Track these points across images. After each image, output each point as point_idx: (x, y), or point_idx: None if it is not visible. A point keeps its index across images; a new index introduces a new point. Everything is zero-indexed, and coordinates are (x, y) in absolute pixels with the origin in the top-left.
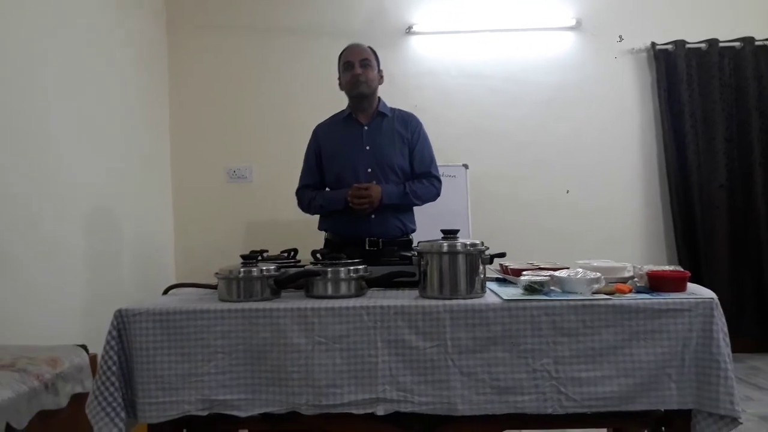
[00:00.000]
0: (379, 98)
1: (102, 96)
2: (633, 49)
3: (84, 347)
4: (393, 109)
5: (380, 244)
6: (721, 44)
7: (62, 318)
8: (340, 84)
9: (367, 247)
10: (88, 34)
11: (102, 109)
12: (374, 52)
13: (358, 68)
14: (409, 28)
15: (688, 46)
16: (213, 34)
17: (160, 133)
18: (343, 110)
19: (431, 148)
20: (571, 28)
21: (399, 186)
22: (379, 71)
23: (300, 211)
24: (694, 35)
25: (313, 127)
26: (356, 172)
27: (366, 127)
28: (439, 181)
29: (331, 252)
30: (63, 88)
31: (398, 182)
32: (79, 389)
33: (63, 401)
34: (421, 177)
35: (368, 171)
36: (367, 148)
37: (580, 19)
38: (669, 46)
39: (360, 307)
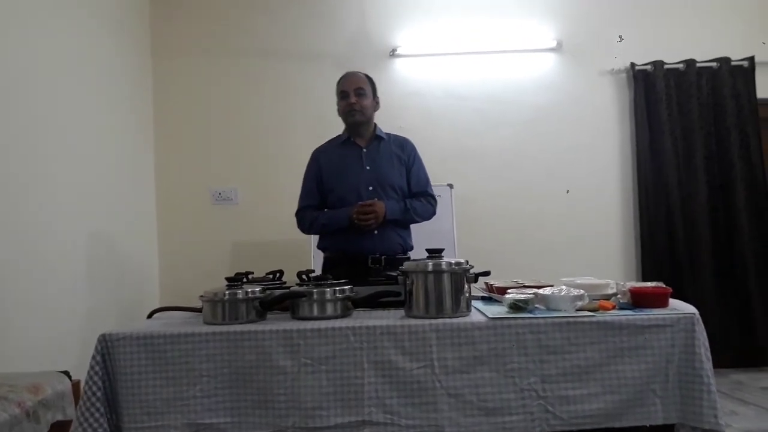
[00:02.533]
0: (375, 124)
1: (86, 119)
2: (613, 69)
3: (67, 373)
4: (389, 134)
5: (383, 261)
6: (698, 64)
7: (44, 344)
8: (338, 110)
9: (369, 264)
10: (73, 58)
11: (86, 132)
12: (370, 80)
13: (352, 97)
14: (393, 50)
15: (666, 66)
16: (198, 57)
17: (145, 155)
18: (340, 135)
19: (425, 169)
20: (552, 50)
21: (400, 203)
22: (375, 98)
23: (287, 232)
24: (673, 56)
25: (298, 149)
26: (358, 190)
27: (365, 149)
28: (435, 200)
29: (331, 268)
30: (47, 111)
31: (398, 200)
32: (60, 417)
33: (44, 429)
34: (418, 196)
35: (369, 189)
36: (368, 168)
37: (561, 41)
38: (648, 67)
39: (346, 328)
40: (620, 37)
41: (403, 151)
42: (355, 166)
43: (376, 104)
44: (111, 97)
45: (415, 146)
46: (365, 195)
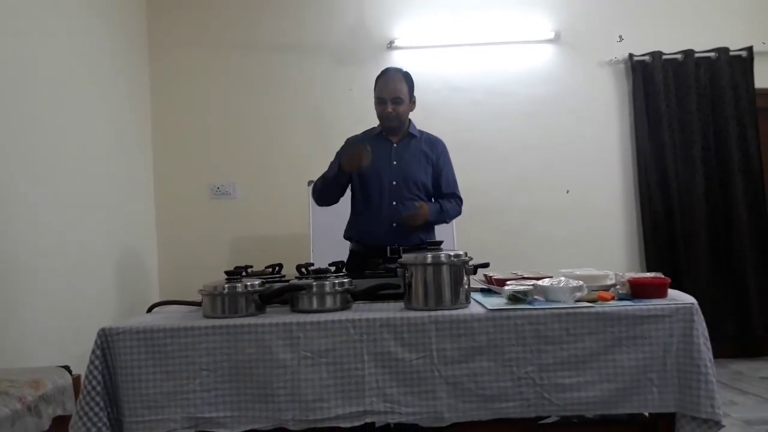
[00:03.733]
0: (409, 120)
1: (83, 115)
2: (611, 60)
3: (67, 368)
4: (422, 132)
5: (401, 252)
6: (696, 55)
7: (45, 339)
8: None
9: (388, 255)
10: (68, 54)
11: (83, 129)
12: (408, 80)
13: (389, 106)
14: (391, 42)
15: (664, 57)
16: (195, 51)
17: (143, 150)
18: (374, 127)
19: (454, 170)
20: (550, 41)
21: (436, 204)
22: (412, 100)
23: (286, 226)
24: (671, 46)
25: (296, 143)
26: (381, 183)
27: (395, 145)
28: (462, 201)
29: (359, 263)
30: (45, 106)
31: (419, 196)
32: (60, 411)
33: (45, 424)
34: (448, 197)
35: (393, 183)
36: (394, 163)
37: (559, 32)
38: (646, 57)
39: (346, 321)
40: (620, 37)
41: (433, 151)
42: (384, 159)
43: (412, 105)
44: (108, 92)
45: (446, 147)
46: (387, 189)
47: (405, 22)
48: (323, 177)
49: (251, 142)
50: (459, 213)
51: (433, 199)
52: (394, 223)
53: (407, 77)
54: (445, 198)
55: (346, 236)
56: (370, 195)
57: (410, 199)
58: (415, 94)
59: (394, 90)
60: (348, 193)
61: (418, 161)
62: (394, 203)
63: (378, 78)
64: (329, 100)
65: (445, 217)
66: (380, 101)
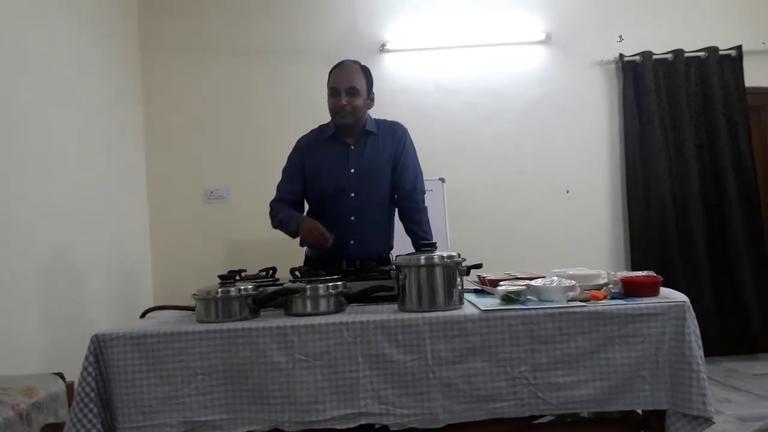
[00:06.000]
0: (367, 116)
1: (75, 119)
2: (602, 60)
3: (60, 375)
4: (378, 123)
5: (357, 264)
6: (686, 54)
7: (38, 345)
8: (328, 104)
9: (344, 268)
10: (61, 57)
11: (75, 133)
12: (366, 73)
13: (343, 98)
14: (383, 45)
15: (654, 57)
16: (187, 55)
17: (135, 154)
18: (327, 124)
19: (416, 159)
20: (541, 42)
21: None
22: (370, 95)
23: (278, 231)
24: (661, 46)
25: (289, 146)
26: (338, 196)
27: (353, 148)
28: (424, 192)
29: (311, 269)
30: (35, 112)
31: (380, 209)
32: (51, 419)
33: None
34: (409, 197)
35: (351, 195)
36: (352, 171)
37: (550, 33)
38: (636, 58)
39: (340, 323)
40: (620, 37)
41: (394, 142)
42: (340, 167)
43: (370, 102)
44: (99, 97)
45: (407, 132)
46: (345, 202)
47: (396, 24)
48: (281, 222)
49: (244, 146)
50: (426, 211)
51: (398, 209)
52: (352, 241)
53: (365, 71)
54: (407, 199)
55: (302, 243)
56: (325, 208)
57: (371, 213)
58: (408, 96)
59: (349, 79)
60: None
61: (379, 166)
62: (353, 218)
63: (332, 69)
64: (322, 103)
65: (430, 239)
66: (333, 92)
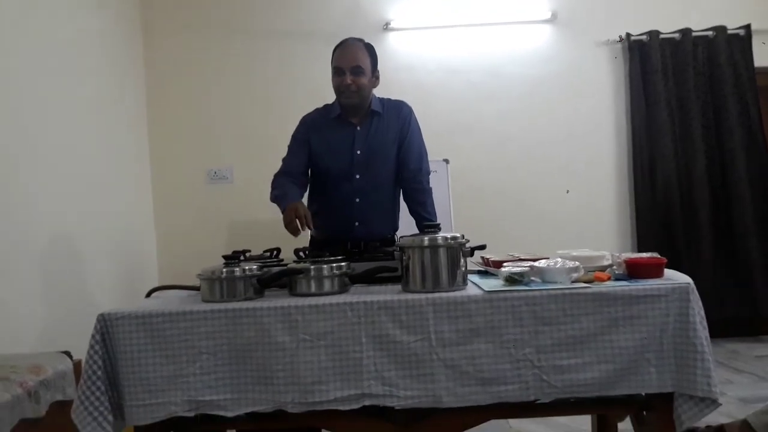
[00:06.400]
0: (372, 95)
1: (78, 98)
2: (608, 40)
3: (68, 353)
4: (383, 102)
5: (362, 245)
6: (694, 34)
7: (45, 325)
8: (332, 83)
9: (348, 248)
10: (61, 37)
11: (78, 112)
12: (370, 51)
13: (348, 78)
14: (387, 24)
15: (662, 36)
16: (189, 34)
17: (139, 135)
18: (332, 104)
19: (421, 138)
20: (546, 21)
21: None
22: (375, 74)
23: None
24: (668, 26)
25: (293, 126)
26: (343, 177)
27: (358, 128)
28: (428, 173)
29: (315, 250)
30: (37, 91)
31: (387, 187)
32: (59, 397)
33: (42, 410)
34: (414, 177)
35: (356, 177)
36: (358, 152)
37: (556, 12)
38: (643, 37)
39: (344, 304)
40: (620, 37)
41: (399, 121)
42: (346, 148)
43: (375, 80)
44: (101, 76)
45: (412, 111)
46: (350, 184)
47: (401, 3)
48: (275, 197)
49: (247, 126)
50: (431, 192)
51: (402, 190)
52: (357, 222)
53: (370, 48)
54: (411, 180)
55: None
56: (329, 189)
57: (376, 195)
58: (412, 75)
59: (353, 58)
60: None
61: (385, 147)
62: (358, 200)
63: (335, 48)
64: (326, 82)
65: (434, 220)
66: (337, 72)
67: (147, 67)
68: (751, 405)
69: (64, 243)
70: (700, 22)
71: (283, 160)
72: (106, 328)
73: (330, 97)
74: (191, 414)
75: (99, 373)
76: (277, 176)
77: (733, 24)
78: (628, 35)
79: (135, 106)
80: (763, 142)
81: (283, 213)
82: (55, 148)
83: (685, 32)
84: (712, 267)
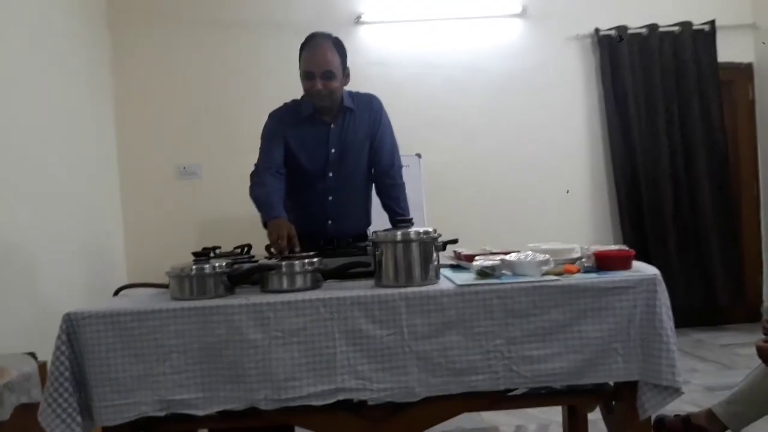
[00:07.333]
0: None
1: (39, 93)
2: (578, 35)
3: (33, 355)
4: (353, 96)
5: (335, 242)
6: (660, 29)
7: (9, 325)
8: (302, 84)
9: (321, 244)
10: (24, 33)
11: (42, 107)
12: (339, 50)
13: (319, 83)
14: (358, 18)
15: (630, 31)
16: (157, 27)
17: (106, 130)
18: (301, 101)
19: (392, 133)
20: (517, 15)
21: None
22: (345, 73)
23: (253, 207)
24: (635, 21)
25: (262, 121)
26: (316, 175)
27: (332, 126)
28: (401, 168)
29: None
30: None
31: (360, 183)
32: (24, 399)
33: (6, 413)
34: (386, 172)
35: (329, 176)
36: (333, 150)
37: (526, 6)
38: (612, 32)
39: (316, 300)
40: (620, 37)
41: (371, 117)
42: (321, 147)
43: (346, 79)
44: (67, 69)
45: (382, 105)
46: (323, 182)
47: None
48: (256, 199)
49: (217, 121)
50: (405, 187)
51: (375, 185)
52: (330, 220)
53: (339, 46)
54: (384, 175)
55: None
56: (301, 187)
57: (349, 192)
58: (384, 69)
59: (323, 62)
60: None
61: (358, 144)
62: (330, 198)
63: (303, 46)
64: (295, 78)
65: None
66: (307, 75)
67: (114, 60)
68: (717, 393)
69: (29, 240)
70: (666, 18)
71: (261, 154)
72: (73, 327)
73: (299, 91)
74: (162, 413)
75: (66, 374)
76: (257, 172)
77: (698, 20)
78: (597, 30)
79: (102, 101)
80: (723, 138)
81: (265, 222)
82: (19, 146)
83: (652, 27)
84: (677, 258)
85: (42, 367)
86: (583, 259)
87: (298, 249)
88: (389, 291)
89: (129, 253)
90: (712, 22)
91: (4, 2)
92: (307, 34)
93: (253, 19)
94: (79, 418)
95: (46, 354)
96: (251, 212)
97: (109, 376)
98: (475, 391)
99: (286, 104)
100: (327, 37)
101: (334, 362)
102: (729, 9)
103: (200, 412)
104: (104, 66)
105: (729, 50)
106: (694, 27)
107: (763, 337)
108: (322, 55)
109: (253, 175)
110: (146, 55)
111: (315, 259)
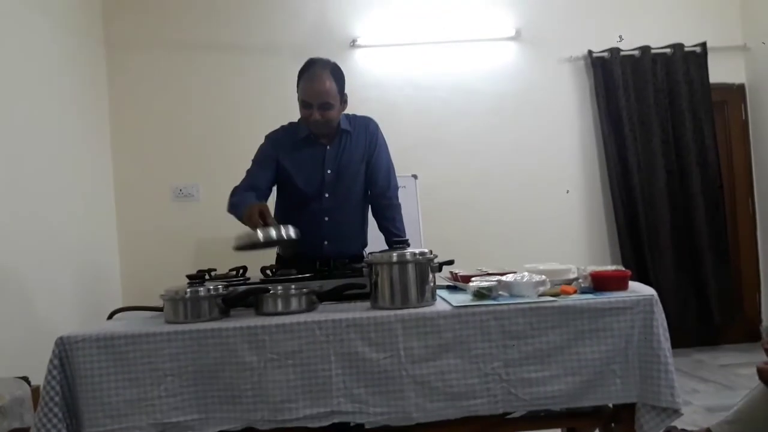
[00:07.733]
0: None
1: (37, 116)
2: (571, 56)
3: (26, 379)
4: (350, 119)
5: (331, 263)
6: (653, 51)
7: (2, 349)
8: (300, 109)
9: (317, 266)
10: (22, 54)
11: (38, 130)
12: (337, 77)
13: (316, 113)
14: (354, 41)
15: (622, 53)
16: (154, 51)
17: (102, 151)
18: (298, 123)
19: (388, 154)
20: (511, 38)
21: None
22: (342, 99)
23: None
24: (628, 43)
25: (259, 143)
26: (313, 196)
27: (328, 147)
28: (397, 189)
29: (282, 268)
30: None
31: (356, 204)
32: (16, 424)
33: None
34: (383, 193)
35: (326, 196)
36: (329, 171)
37: (520, 29)
38: (605, 54)
39: (312, 322)
40: (620, 37)
41: (367, 139)
42: (317, 168)
43: (343, 105)
44: (63, 93)
45: (378, 127)
46: (319, 203)
47: (367, 20)
48: (232, 204)
49: (213, 143)
50: (400, 208)
51: (371, 206)
52: (326, 241)
53: (336, 73)
54: (380, 196)
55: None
56: (298, 208)
57: (345, 213)
58: (379, 92)
59: (321, 93)
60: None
61: (354, 165)
62: (327, 219)
63: (301, 73)
64: (292, 99)
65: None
66: (305, 105)
67: (111, 83)
68: (717, 414)
69: (21, 262)
70: (659, 40)
71: (248, 173)
72: (65, 351)
73: (298, 115)
74: None
75: (57, 398)
76: (238, 189)
77: (690, 42)
78: (590, 52)
79: (98, 123)
80: (716, 157)
81: (240, 217)
82: (15, 167)
83: (645, 49)
84: (674, 278)
85: (35, 391)
86: (580, 280)
87: (271, 220)
88: (385, 313)
89: (124, 274)
90: (703, 44)
91: (0, 24)
92: (305, 59)
93: (250, 43)
94: None
95: (39, 378)
96: None
97: (102, 401)
98: (473, 416)
99: (283, 126)
100: (325, 65)
101: (330, 385)
102: (720, 31)
103: None
104: (100, 86)
105: (721, 71)
106: (686, 49)
107: (765, 359)
108: (320, 86)
109: (230, 195)
110: (143, 76)
111: (310, 282)
